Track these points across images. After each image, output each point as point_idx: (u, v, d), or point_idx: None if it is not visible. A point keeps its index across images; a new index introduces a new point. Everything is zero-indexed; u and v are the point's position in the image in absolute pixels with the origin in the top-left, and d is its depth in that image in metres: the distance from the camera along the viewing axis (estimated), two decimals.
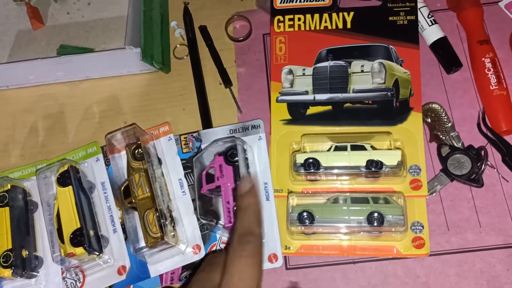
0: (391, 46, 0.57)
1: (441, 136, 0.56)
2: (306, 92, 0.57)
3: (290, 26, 0.60)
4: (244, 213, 0.45)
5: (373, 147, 0.53)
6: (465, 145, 0.55)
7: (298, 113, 0.58)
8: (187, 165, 0.57)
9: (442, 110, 0.57)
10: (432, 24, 0.59)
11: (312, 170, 0.52)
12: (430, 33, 0.59)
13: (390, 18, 0.58)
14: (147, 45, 0.61)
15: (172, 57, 0.66)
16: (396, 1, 0.58)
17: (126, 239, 0.55)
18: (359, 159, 0.52)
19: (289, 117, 0.58)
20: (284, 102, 0.58)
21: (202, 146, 0.58)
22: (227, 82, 0.63)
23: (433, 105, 0.57)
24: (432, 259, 0.52)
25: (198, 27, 0.66)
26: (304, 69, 0.58)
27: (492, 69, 0.56)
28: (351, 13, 0.59)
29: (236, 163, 0.53)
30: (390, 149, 0.53)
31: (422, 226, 0.51)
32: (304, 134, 0.56)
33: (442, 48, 0.59)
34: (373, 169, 0.51)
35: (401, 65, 0.57)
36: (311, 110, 0.57)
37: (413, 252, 0.51)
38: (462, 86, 0.59)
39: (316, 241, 0.53)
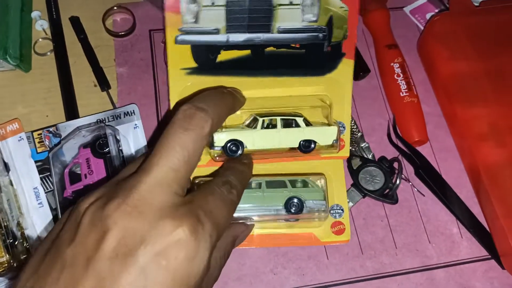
0: None
1: (351, 148, 0.50)
2: (217, 31, 0.42)
3: None
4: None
5: (306, 121, 0.42)
6: (376, 157, 0.50)
7: (205, 59, 0.43)
8: (45, 167, 0.46)
9: (351, 119, 0.51)
10: None
11: (234, 155, 0.40)
12: None
13: None
14: None
15: (33, 54, 0.53)
16: None
17: None
18: (291, 139, 0.41)
19: (193, 64, 0.43)
20: (186, 44, 0.42)
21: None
22: (104, 83, 0.52)
23: None
24: None
25: (69, 18, 0.55)
26: None
27: (401, 75, 0.52)
28: None
29: (108, 155, 0.43)
30: (325, 125, 0.43)
31: (342, 210, 0.44)
32: None
33: None
34: (306, 150, 0.42)
35: None
36: (223, 55, 0.43)
37: (332, 239, 0.44)
38: (370, 94, 0.54)
39: None
